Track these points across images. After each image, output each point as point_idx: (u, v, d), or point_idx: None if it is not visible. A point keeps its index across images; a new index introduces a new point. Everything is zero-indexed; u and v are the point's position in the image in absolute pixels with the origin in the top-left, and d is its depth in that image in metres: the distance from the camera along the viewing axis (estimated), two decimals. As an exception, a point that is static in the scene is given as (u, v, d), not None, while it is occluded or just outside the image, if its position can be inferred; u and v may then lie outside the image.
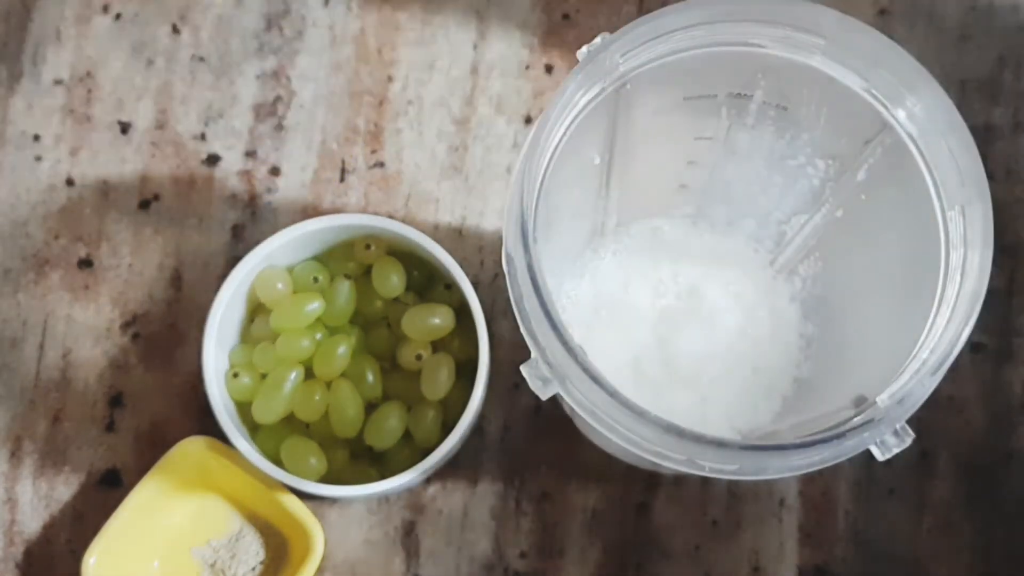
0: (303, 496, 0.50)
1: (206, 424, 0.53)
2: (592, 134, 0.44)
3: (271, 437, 0.50)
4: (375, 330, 0.52)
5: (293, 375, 0.50)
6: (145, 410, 0.54)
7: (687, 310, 0.52)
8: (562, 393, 0.39)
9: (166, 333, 0.54)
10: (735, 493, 0.53)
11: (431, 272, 0.52)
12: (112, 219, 0.55)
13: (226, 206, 0.55)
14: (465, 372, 0.50)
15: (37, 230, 0.55)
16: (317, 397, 0.50)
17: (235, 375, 0.50)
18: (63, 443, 0.54)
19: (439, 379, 0.50)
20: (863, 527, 0.53)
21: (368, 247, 0.51)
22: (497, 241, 0.55)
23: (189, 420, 0.54)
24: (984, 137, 0.56)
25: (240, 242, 0.55)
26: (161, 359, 0.54)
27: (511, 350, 0.54)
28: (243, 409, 0.51)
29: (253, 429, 0.51)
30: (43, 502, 0.53)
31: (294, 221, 0.53)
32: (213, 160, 0.56)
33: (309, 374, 0.51)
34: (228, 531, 0.52)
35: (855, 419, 0.39)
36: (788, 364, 0.52)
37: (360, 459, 0.51)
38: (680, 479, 0.53)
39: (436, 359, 0.50)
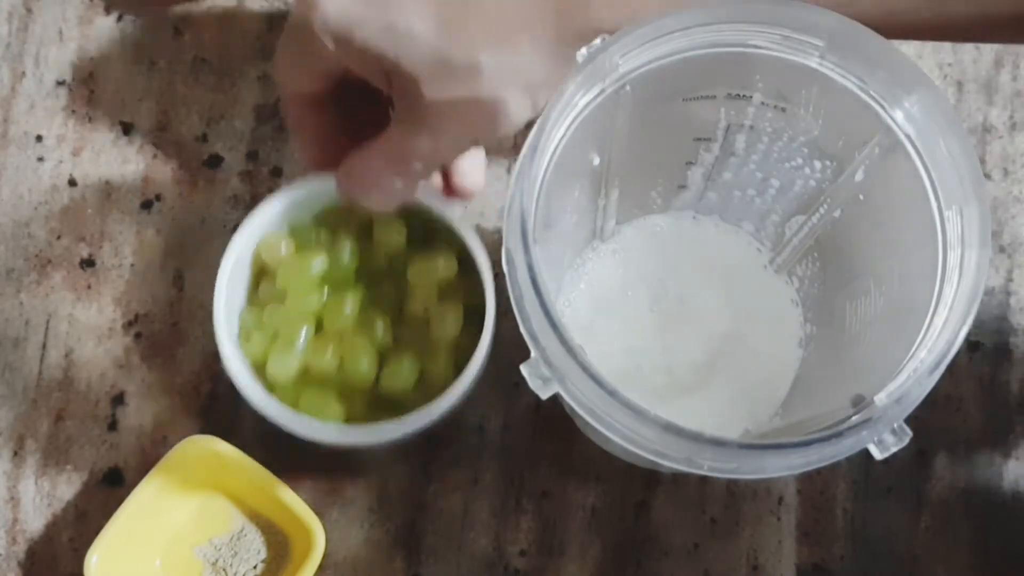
0: (324, 449, 0.50)
1: (208, 423, 0.54)
2: (591, 135, 0.44)
3: (287, 394, 0.50)
4: (380, 284, 0.52)
5: (304, 331, 0.50)
6: (147, 409, 0.54)
7: (686, 310, 0.52)
8: (562, 392, 0.39)
9: (168, 332, 0.55)
10: (734, 492, 0.53)
11: (430, 223, 0.52)
12: (114, 219, 0.56)
13: (228, 207, 0.56)
14: (473, 320, 0.50)
15: (39, 230, 0.55)
16: (329, 351, 0.50)
17: (247, 337, 0.51)
18: (65, 442, 0.54)
19: (448, 324, 0.50)
20: (861, 525, 0.53)
21: None
22: (497, 241, 0.55)
23: (191, 419, 0.54)
24: (981, 137, 0.56)
25: (241, 242, 0.55)
26: (163, 358, 0.54)
27: (511, 350, 0.54)
28: (257, 370, 0.51)
29: (269, 389, 0.51)
30: (46, 501, 0.53)
31: (295, 221, 0.53)
32: (215, 161, 0.56)
33: (319, 330, 0.51)
34: (230, 529, 0.53)
35: (853, 418, 0.39)
36: (787, 364, 0.52)
37: (377, 410, 0.51)
38: (679, 478, 0.53)
39: (443, 305, 0.51)
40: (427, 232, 0.52)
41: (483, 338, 0.49)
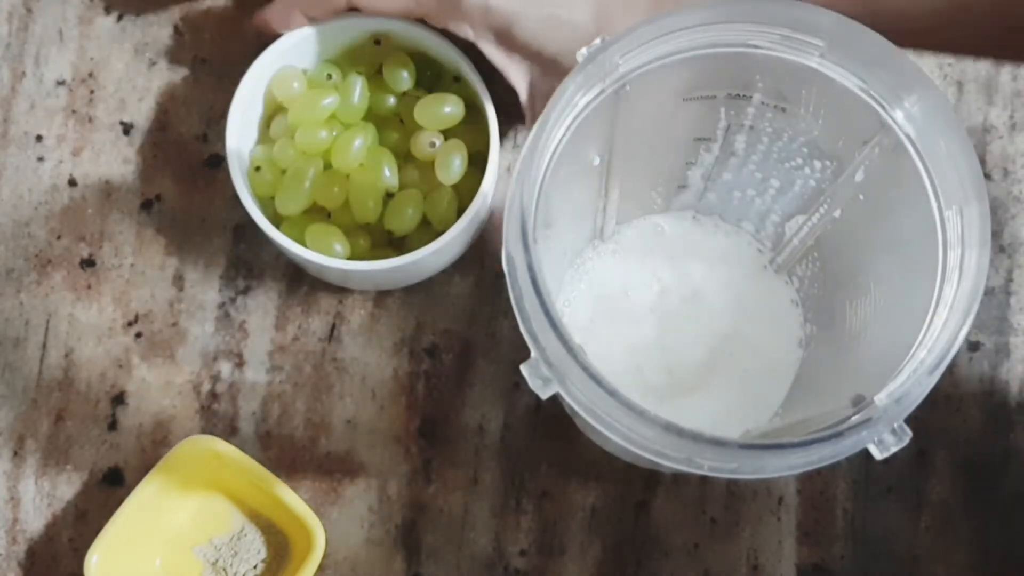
0: (326, 276, 0.52)
1: (208, 423, 0.54)
2: (592, 135, 0.44)
3: (294, 228, 0.51)
4: (388, 126, 0.53)
5: (313, 168, 0.51)
6: (147, 409, 0.54)
7: (686, 310, 0.52)
8: (562, 392, 0.39)
9: (168, 332, 0.55)
10: (734, 492, 0.53)
11: (439, 70, 0.53)
12: (114, 219, 0.56)
13: (227, 207, 0.56)
14: (477, 167, 0.51)
15: (39, 230, 0.55)
16: (336, 188, 0.51)
17: (257, 169, 0.52)
18: (65, 442, 0.54)
19: (453, 164, 0.51)
20: (861, 525, 0.53)
21: (378, 42, 0.53)
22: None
23: (191, 419, 0.54)
24: (981, 137, 0.56)
25: (241, 242, 0.55)
26: (163, 358, 0.54)
27: (511, 350, 0.54)
28: (266, 204, 0.52)
29: (275, 223, 0.52)
30: (46, 501, 0.53)
31: (295, 221, 0.53)
32: (215, 161, 0.56)
33: (327, 168, 0.52)
34: (230, 529, 0.53)
35: (853, 418, 0.39)
36: (787, 364, 0.52)
37: (381, 247, 0.52)
38: (679, 478, 0.53)
39: (449, 145, 0.51)
40: (437, 78, 0.53)
41: (485, 181, 0.50)
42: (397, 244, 0.52)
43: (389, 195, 0.52)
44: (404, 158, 0.53)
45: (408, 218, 0.51)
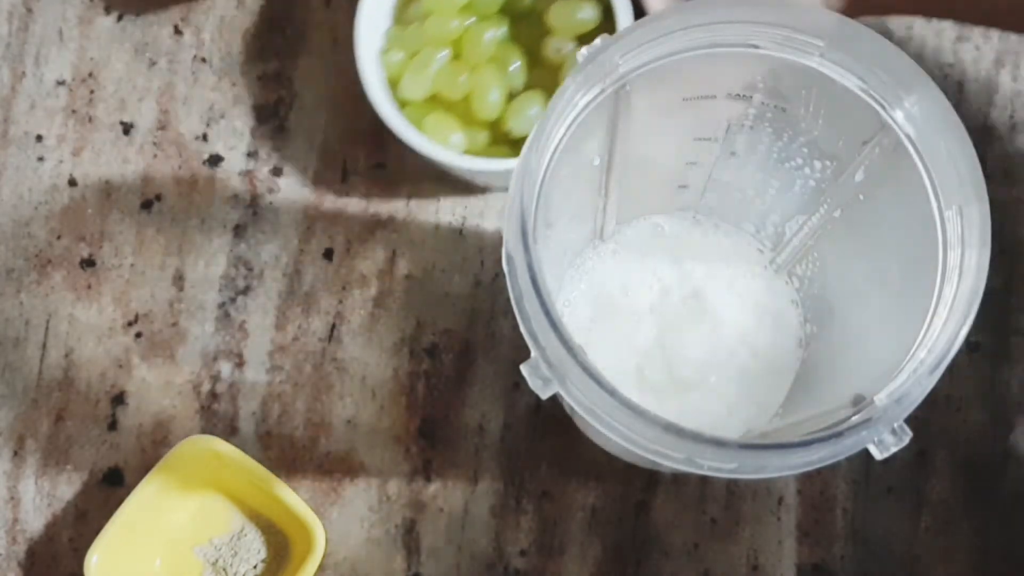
0: (444, 168, 0.51)
1: (208, 423, 0.54)
2: (592, 135, 0.44)
3: (415, 114, 0.51)
4: (523, 23, 0.52)
5: (441, 55, 0.51)
6: (147, 409, 0.54)
7: (687, 311, 0.52)
8: (562, 392, 0.39)
9: (168, 332, 0.55)
10: (734, 492, 0.53)
11: None
12: (114, 219, 0.56)
13: (228, 206, 0.56)
14: None
15: (40, 230, 0.55)
16: (462, 79, 0.51)
17: (387, 50, 0.51)
18: (65, 442, 0.54)
19: None
20: (861, 525, 0.53)
21: None
22: (497, 241, 0.55)
23: (191, 419, 0.54)
24: (981, 138, 0.56)
25: (241, 242, 0.55)
26: (163, 358, 0.54)
27: (511, 350, 0.54)
28: (392, 86, 0.52)
29: (400, 105, 0.52)
30: (46, 501, 0.53)
31: (296, 222, 0.54)
32: (215, 160, 0.56)
33: (457, 57, 0.52)
34: (230, 529, 0.53)
35: (853, 418, 0.39)
36: (787, 364, 0.52)
37: (499, 145, 0.52)
38: (679, 478, 0.53)
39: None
40: None
41: None
42: (514, 145, 0.52)
43: (513, 94, 0.51)
44: (533, 58, 0.52)
45: (529, 119, 0.50)
